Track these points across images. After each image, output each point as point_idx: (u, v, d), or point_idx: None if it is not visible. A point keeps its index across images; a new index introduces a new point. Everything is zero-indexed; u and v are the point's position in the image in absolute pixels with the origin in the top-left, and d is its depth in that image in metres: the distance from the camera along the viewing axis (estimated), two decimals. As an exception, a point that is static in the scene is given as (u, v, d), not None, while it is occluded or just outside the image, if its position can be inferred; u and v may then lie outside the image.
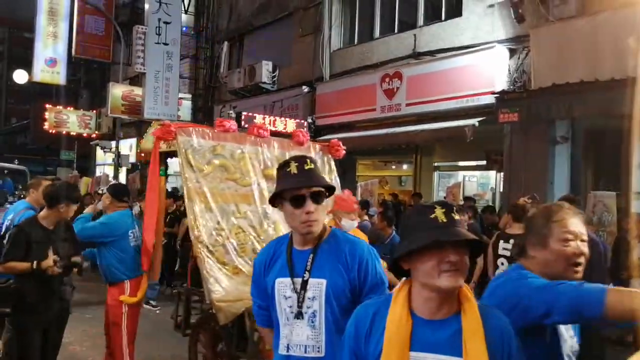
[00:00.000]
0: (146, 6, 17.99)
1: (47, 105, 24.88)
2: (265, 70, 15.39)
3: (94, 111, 25.21)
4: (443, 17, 11.49)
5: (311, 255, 2.52)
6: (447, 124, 10.31)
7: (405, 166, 15.09)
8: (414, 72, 11.38)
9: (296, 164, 2.51)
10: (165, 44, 17.57)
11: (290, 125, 13.47)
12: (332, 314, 2.47)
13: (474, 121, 9.70)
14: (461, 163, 13.04)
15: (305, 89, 14.25)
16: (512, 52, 9.81)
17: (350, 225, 4.93)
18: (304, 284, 2.50)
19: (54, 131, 24.74)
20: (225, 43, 18.29)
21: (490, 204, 11.45)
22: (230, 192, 5.19)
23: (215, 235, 4.88)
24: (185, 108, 18.93)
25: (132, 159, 21.46)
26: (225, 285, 4.63)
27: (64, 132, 25.18)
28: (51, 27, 23.01)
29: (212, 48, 18.97)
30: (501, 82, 9.69)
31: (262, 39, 16.85)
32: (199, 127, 5.41)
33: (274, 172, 4.91)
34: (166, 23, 17.53)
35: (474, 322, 1.80)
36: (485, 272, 6.85)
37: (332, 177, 6.08)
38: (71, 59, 23.75)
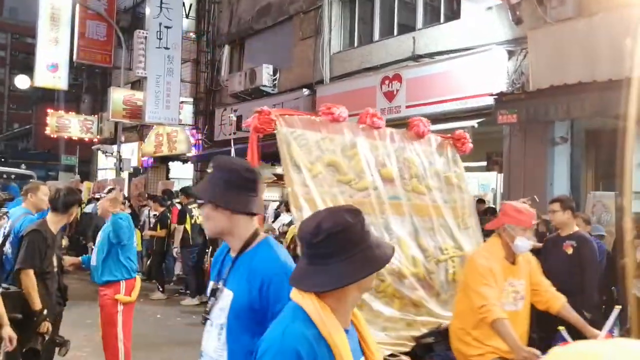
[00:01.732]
0: (147, 11, 18.06)
1: (49, 110, 24.98)
2: (266, 74, 15.45)
3: (96, 116, 25.30)
4: (442, 20, 11.55)
5: (230, 264, 2.42)
6: (446, 125, 10.34)
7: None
8: (413, 75, 11.43)
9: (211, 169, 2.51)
10: (167, 48, 17.63)
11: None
12: (236, 331, 2.28)
13: (473, 123, 9.74)
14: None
15: (305, 91, 14.30)
16: (511, 53, 9.86)
17: (525, 246, 3.87)
18: (214, 291, 2.41)
19: (55, 136, 24.84)
20: (226, 47, 18.36)
21: (492, 205, 11.49)
22: (344, 198, 4.27)
23: None
24: (187, 112, 18.98)
25: (134, 163, 21.53)
26: None
27: (65, 137, 25.28)
28: (53, 32, 23.11)
29: (213, 52, 19.04)
30: (500, 84, 9.74)
31: (263, 43, 16.92)
32: (304, 115, 4.54)
33: (393, 173, 4.71)
34: (167, 27, 17.59)
35: (362, 320, 1.92)
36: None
37: (459, 174, 5.31)
38: (73, 63, 23.84)
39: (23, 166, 14.57)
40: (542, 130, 9.35)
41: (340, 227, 1.72)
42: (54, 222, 4.77)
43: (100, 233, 5.47)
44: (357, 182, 4.41)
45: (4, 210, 5.59)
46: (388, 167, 4.67)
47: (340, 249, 1.71)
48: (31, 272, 4.44)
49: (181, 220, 10.85)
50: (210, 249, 11.23)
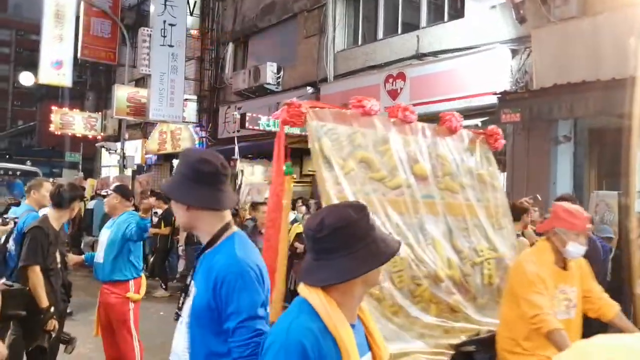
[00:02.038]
0: (151, 8, 18.07)
1: (53, 107, 25.03)
2: (270, 72, 15.48)
3: (100, 113, 25.34)
4: (445, 19, 11.55)
5: (198, 261, 2.33)
6: (450, 124, 10.36)
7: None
8: (417, 73, 11.44)
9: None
10: (171, 45, 17.63)
11: (295, 126, 13.51)
12: (199, 329, 2.20)
13: (477, 121, 9.73)
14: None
15: (309, 89, 14.32)
16: (514, 52, 9.86)
17: (578, 252, 3.59)
18: (185, 288, 2.33)
19: (59, 133, 24.89)
20: (230, 44, 18.39)
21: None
22: (377, 197, 4.04)
23: None
24: (191, 109, 19.00)
25: (138, 161, 21.57)
26: (386, 332, 3.48)
27: (69, 134, 25.33)
28: (57, 29, 23.12)
29: (217, 50, 19.07)
30: (503, 83, 9.74)
31: (267, 41, 16.95)
32: (335, 108, 4.26)
33: (427, 170, 4.45)
34: (171, 25, 17.59)
35: (369, 314, 1.92)
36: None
37: (492, 172, 5.11)
38: (77, 61, 23.88)
39: (28, 163, 14.51)
40: (546, 129, 9.35)
41: (343, 222, 1.74)
42: (56, 218, 4.76)
43: (109, 230, 5.30)
44: (390, 179, 4.17)
45: (12, 216, 5.50)
46: (421, 163, 4.42)
47: (343, 244, 1.73)
48: (37, 268, 4.43)
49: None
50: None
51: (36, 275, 4.43)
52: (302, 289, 1.79)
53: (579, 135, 9.46)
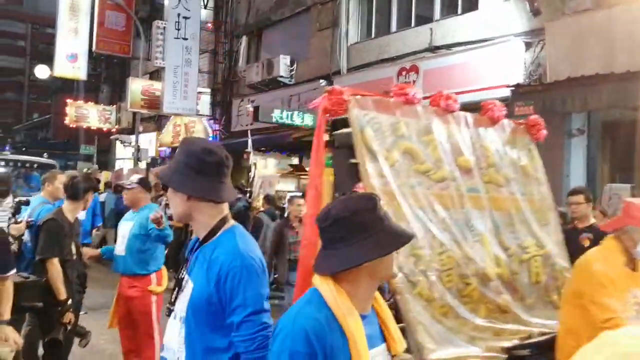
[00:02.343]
0: (166, 1, 18.16)
1: (68, 100, 25.22)
2: (283, 64, 15.50)
3: (114, 106, 25.52)
4: (459, 11, 11.52)
5: (195, 253, 2.28)
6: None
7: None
8: (430, 66, 11.43)
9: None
10: (185, 38, 17.71)
11: (308, 119, 13.58)
12: (197, 324, 2.15)
13: (490, 114, 9.73)
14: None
15: (322, 82, 14.32)
16: (528, 45, 9.83)
17: None
18: (179, 282, 2.26)
19: (74, 126, 25.09)
20: (244, 37, 18.43)
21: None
22: (422, 191, 3.83)
23: (413, 258, 3.56)
24: (204, 102, 19.08)
25: (152, 153, 21.70)
26: (437, 336, 3.41)
27: (84, 127, 25.53)
28: (72, 22, 23.30)
29: (230, 43, 19.12)
30: (517, 76, 9.72)
31: (280, 33, 16.97)
32: (376, 96, 4.02)
33: (471, 162, 4.22)
34: (185, 18, 17.66)
35: (385, 306, 1.92)
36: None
37: (535, 165, 4.87)
38: (92, 54, 24.03)
39: (45, 155, 14.58)
40: (559, 122, 9.31)
41: (347, 212, 1.77)
42: (70, 210, 4.77)
43: (131, 223, 5.21)
44: (435, 172, 3.92)
45: (28, 219, 5.38)
46: (465, 155, 4.17)
47: (347, 234, 1.75)
48: (56, 260, 4.44)
49: None
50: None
51: (55, 267, 4.44)
52: (315, 279, 1.82)
53: (592, 128, 9.43)
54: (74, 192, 4.79)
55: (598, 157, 9.51)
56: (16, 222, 5.26)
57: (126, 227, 5.22)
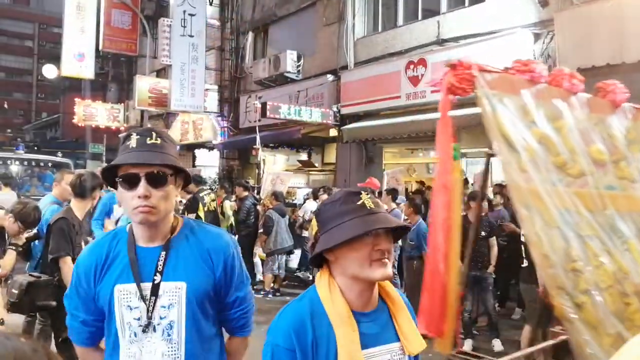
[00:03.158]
0: (171, -1, 18.16)
1: (77, 99, 25.30)
2: (290, 60, 15.47)
3: (122, 104, 25.57)
4: (466, 3, 11.44)
5: (163, 253, 2.07)
6: (472, 110, 10.27)
7: (432, 153, 15.05)
8: (438, 59, 11.34)
9: (137, 136, 2.04)
10: (191, 35, 17.71)
11: (316, 114, 13.55)
12: (195, 323, 2.08)
13: (500, 107, 9.66)
14: (489, 149, 12.93)
15: (329, 77, 14.30)
16: (537, 36, 9.74)
17: None
18: (155, 289, 2.04)
19: (83, 124, 25.16)
20: (250, 33, 18.40)
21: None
22: (563, 189, 3.18)
23: (572, 274, 2.88)
24: (212, 99, 19.09)
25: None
26: None
27: (92, 125, 25.61)
28: (79, 21, 23.34)
29: (237, 39, 19.10)
30: (526, 67, 9.62)
31: (287, 29, 16.93)
32: (501, 73, 3.43)
33: (605, 155, 3.54)
34: (191, 15, 17.66)
35: (399, 303, 1.82)
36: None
37: None
38: (99, 52, 24.07)
39: (59, 154, 14.54)
40: (570, 114, 9.23)
41: (318, 210, 1.89)
42: (79, 208, 4.78)
43: None
44: (572, 165, 3.31)
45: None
46: (597, 145, 3.54)
47: (318, 229, 1.85)
48: (69, 259, 4.45)
49: (193, 208, 10.58)
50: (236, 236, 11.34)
51: (68, 266, 4.43)
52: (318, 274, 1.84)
53: (603, 119, 9.34)
54: (81, 190, 4.81)
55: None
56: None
57: None
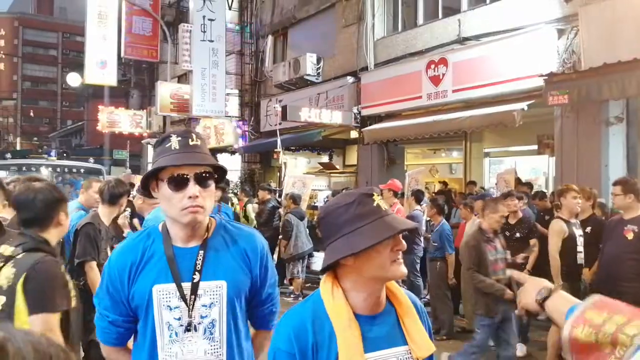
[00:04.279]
0: (191, 5, 18.22)
1: (100, 106, 25.56)
2: (310, 63, 15.43)
3: (145, 110, 25.75)
4: (487, 1, 11.27)
5: (201, 252, 2.11)
6: (495, 109, 10.14)
7: (454, 153, 14.91)
8: (459, 58, 11.21)
9: (178, 138, 2.06)
10: (211, 41, 17.76)
11: (336, 116, 13.48)
12: (234, 320, 2.15)
13: (523, 105, 9.50)
14: (512, 148, 12.80)
15: (349, 79, 14.22)
16: (561, 32, 9.55)
17: None
18: (194, 288, 2.08)
19: (106, 131, 25.41)
20: (269, 37, 18.41)
21: (544, 189, 11.21)
22: None
23: None
24: (233, 104, 19.14)
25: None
26: None
27: (116, 132, 25.85)
28: (101, 29, 23.53)
29: (256, 43, 19.13)
30: (550, 64, 9.44)
31: (306, 32, 16.89)
32: None
33: None
34: (211, 20, 17.72)
35: (406, 305, 1.80)
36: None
37: None
38: (121, 60, 24.28)
39: (91, 160, 14.63)
40: (596, 111, 9.04)
41: (325, 211, 1.76)
42: (106, 214, 4.87)
43: None
44: None
45: None
46: None
47: (327, 232, 1.74)
48: (94, 264, 4.52)
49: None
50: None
51: (93, 271, 4.52)
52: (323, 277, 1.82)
53: (631, 116, 9.11)
54: (109, 197, 4.88)
55: (638, 146, 9.19)
56: None
57: None
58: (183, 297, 2.06)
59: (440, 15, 12.42)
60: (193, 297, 2.07)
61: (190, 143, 2.06)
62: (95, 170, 14.02)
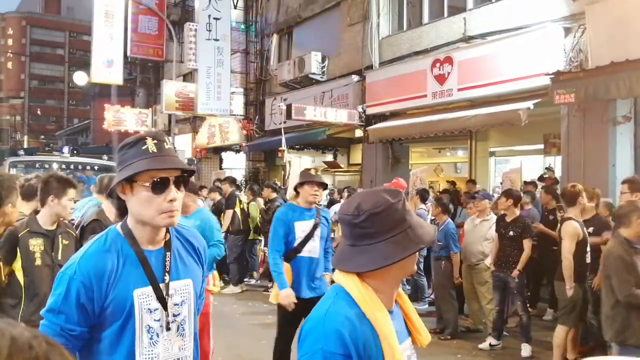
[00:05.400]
0: (196, 3, 18.24)
1: (106, 105, 25.61)
2: (315, 61, 15.38)
3: (150, 109, 25.80)
4: (494, -1, 11.19)
5: (168, 254, 2.15)
6: (500, 108, 10.06)
7: (460, 153, 14.84)
8: (465, 57, 11.13)
9: (154, 141, 2.06)
10: (216, 39, 17.77)
11: (341, 115, 13.43)
12: (197, 314, 2.30)
13: (529, 104, 9.42)
14: (518, 148, 12.72)
15: (354, 78, 14.16)
16: (567, 30, 9.46)
17: None
18: (167, 288, 2.12)
19: (112, 130, 25.45)
20: (274, 36, 18.37)
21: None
22: None
23: None
24: (238, 102, 19.13)
25: (188, 155, 21.88)
26: None
27: (122, 130, 25.89)
28: (107, 28, 23.57)
29: (261, 41, 19.10)
30: (556, 63, 9.35)
31: (311, 30, 16.85)
32: None
33: None
34: (216, 19, 17.72)
35: (406, 299, 1.90)
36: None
37: None
38: (127, 59, 24.32)
39: (104, 157, 14.64)
40: (603, 110, 8.95)
41: (380, 207, 1.69)
42: (110, 210, 4.83)
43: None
44: None
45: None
46: None
47: (381, 229, 1.69)
48: None
49: (231, 204, 11.03)
50: (262, 240, 11.29)
51: None
52: (337, 276, 1.76)
53: (639, 115, 9.02)
54: (110, 191, 4.83)
55: (646, 145, 9.10)
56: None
57: None
58: (161, 298, 2.09)
59: (445, 14, 12.35)
60: (167, 297, 2.12)
61: (166, 147, 2.08)
62: (108, 168, 13.95)
